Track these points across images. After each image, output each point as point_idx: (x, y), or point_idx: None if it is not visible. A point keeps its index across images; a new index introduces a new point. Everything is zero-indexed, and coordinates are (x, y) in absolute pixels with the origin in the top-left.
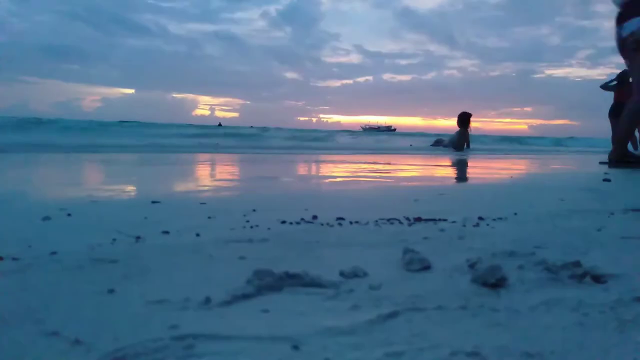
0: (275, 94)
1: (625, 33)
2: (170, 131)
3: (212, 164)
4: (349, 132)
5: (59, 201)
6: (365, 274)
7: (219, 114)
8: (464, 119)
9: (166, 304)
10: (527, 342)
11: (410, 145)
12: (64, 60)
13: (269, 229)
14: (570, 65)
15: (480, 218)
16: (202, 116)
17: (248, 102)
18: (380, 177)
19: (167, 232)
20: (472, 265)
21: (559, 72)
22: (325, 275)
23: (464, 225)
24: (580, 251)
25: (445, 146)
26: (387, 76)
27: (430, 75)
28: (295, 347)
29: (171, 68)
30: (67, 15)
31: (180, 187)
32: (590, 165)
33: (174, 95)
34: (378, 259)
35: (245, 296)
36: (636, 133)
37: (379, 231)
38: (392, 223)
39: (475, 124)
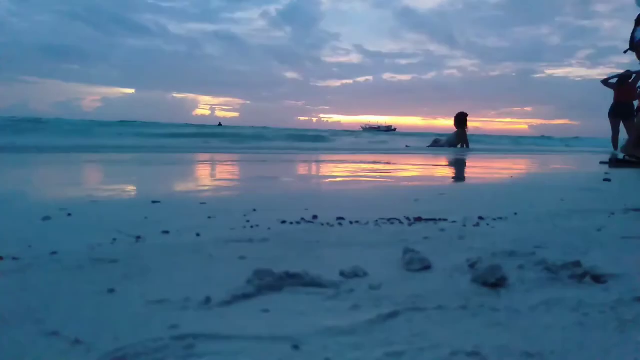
0: (275, 93)
1: (638, 37)
2: (171, 131)
3: (212, 164)
4: (349, 132)
5: (59, 201)
6: (365, 274)
7: (219, 113)
8: (461, 119)
9: (166, 303)
10: (527, 342)
11: (407, 146)
12: (64, 60)
13: (269, 228)
14: (571, 65)
15: (481, 218)
16: (203, 116)
17: (248, 102)
18: (381, 177)
19: (167, 232)
20: (472, 265)
21: (559, 72)
22: (325, 275)
23: (464, 225)
24: (580, 251)
25: (442, 146)
26: (387, 76)
27: (430, 75)
28: (296, 347)
29: (171, 68)
30: (67, 15)
31: (181, 187)
32: (591, 165)
33: (174, 95)
34: (378, 258)
35: (246, 296)
36: None
37: (379, 231)
38: (392, 223)
39: (475, 123)
